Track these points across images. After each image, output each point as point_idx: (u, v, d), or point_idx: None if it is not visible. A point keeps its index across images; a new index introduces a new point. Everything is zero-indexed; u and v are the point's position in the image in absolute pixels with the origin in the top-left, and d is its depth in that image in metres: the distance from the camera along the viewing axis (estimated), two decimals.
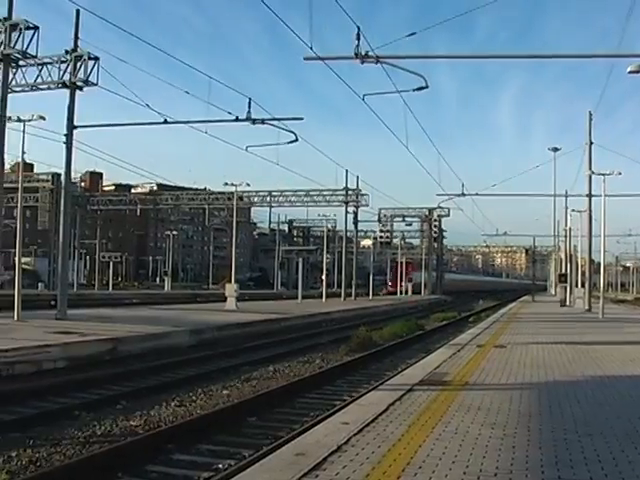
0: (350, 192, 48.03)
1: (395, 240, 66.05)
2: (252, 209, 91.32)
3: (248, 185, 33.27)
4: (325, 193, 50.90)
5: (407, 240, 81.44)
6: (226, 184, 32.73)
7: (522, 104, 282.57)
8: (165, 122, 23.32)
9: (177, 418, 9.19)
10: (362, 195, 48.33)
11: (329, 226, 62.76)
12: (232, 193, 38.58)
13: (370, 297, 51.58)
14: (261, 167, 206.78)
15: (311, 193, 51.77)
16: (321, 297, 43.18)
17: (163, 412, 9.58)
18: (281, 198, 53.53)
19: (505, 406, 7.82)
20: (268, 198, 54.05)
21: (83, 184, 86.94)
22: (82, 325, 17.23)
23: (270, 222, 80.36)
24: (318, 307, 32.98)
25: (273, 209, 62.42)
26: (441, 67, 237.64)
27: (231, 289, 29.45)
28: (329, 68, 17.56)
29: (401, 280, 62.81)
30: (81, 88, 20.36)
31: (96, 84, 20.18)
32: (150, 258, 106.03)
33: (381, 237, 54.99)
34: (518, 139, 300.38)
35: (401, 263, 62.34)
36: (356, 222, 50.05)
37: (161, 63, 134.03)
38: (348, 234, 53.05)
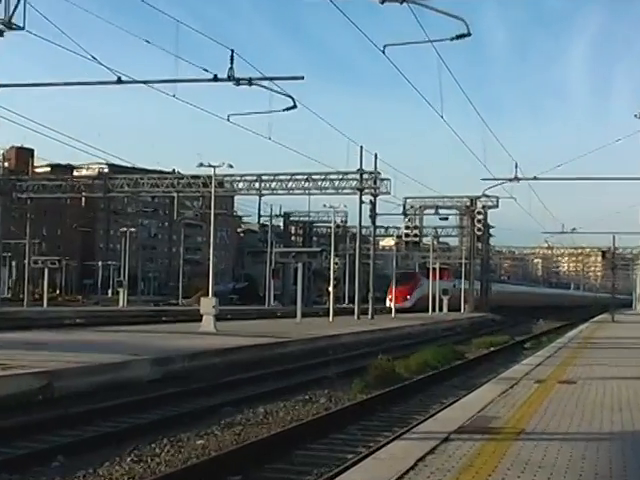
0: (366, 176, 47.97)
1: (426, 239, 66.03)
2: (236, 198, 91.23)
3: (230, 167, 33.20)
4: (333, 177, 50.87)
5: (441, 239, 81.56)
6: (201, 165, 32.70)
7: (599, 54, 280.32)
8: (119, 82, 23.33)
9: (134, 478, 9.11)
10: (382, 180, 48.29)
11: (338, 221, 62.78)
12: (209, 177, 38.54)
13: (393, 315, 51.58)
14: (248, 143, 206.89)
15: (314, 177, 51.74)
16: (327, 315, 43.21)
17: (115, 471, 9.52)
18: (274, 184, 53.52)
19: (576, 463, 7.73)
20: (257, 184, 54.04)
21: (7, 164, 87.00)
22: (5, 354, 17.20)
23: (260, 215, 79.99)
24: (324, 328, 33.02)
25: (264, 198, 62.21)
26: (488, 6, 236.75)
27: (208, 304, 29.45)
28: (338, 10, 17.51)
29: (409, 292, 62.53)
30: (1, 33, 20.24)
31: (22, 28, 20.08)
32: (99, 263, 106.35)
33: (407, 235, 54.81)
34: (593, 103, 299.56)
35: (424, 269, 62.39)
36: (374, 215, 49.99)
37: (112, 2, 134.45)
38: (363, 231, 52.97)
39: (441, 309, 61.21)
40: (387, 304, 60.16)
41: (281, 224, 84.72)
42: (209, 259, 32.48)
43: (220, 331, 27.94)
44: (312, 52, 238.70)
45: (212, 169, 32.56)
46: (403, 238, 55.96)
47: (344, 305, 74.78)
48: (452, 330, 45.56)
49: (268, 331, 29.03)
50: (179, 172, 63.16)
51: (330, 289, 47.43)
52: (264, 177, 53.77)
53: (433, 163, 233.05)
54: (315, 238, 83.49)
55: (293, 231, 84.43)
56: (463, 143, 44.27)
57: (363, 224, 50.24)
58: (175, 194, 56.23)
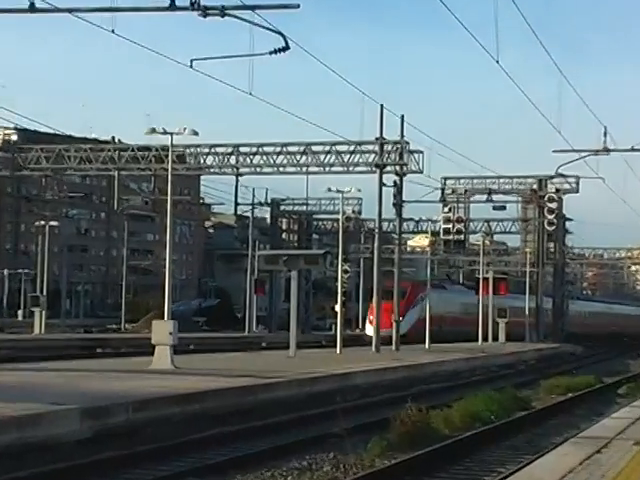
0: (388, 147, 48.02)
1: (474, 237, 66.08)
2: (203, 179, 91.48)
3: (195, 134, 33.17)
4: (341, 149, 50.92)
5: (496, 237, 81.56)
6: (153, 131, 32.64)
7: None
8: (32, 9, 23.28)
9: None
10: (411, 152, 48.29)
11: (349, 211, 62.78)
12: (164, 149, 38.55)
13: (426, 345, 51.52)
14: (220, 100, 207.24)
15: (314, 149, 51.78)
16: (334, 345, 43.20)
17: None
18: (258, 158, 53.58)
19: None
20: (233, 158, 54.09)
21: None
22: None
23: (237, 204, 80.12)
24: (329, 364, 33.02)
25: (243, 179, 62.28)
26: None
27: (163, 331, 29.45)
28: None
29: (401, 312, 62.33)
30: None
31: None
32: (5, 272, 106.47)
33: (447, 231, 54.83)
34: None
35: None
36: (399, 203, 49.94)
37: None
38: (385, 226, 52.98)
39: (496, 338, 61.10)
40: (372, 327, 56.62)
41: (267, 216, 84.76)
42: (165, 266, 32.48)
43: (180, 369, 27.93)
44: None
45: (168, 137, 32.50)
46: (441, 236, 56.07)
47: (357, 331, 74.80)
48: (512, 367, 45.53)
49: (249, 368, 29.09)
50: (120, 141, 63.38)
51: (337, 308, 47.33)
52: (243, 149, 53.83)
53: (484, 128, 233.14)
54: (316, 236, 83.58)
55: (285, 226, 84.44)
56: (527, 99, 44.11)
57: (384, 216, 50.31)
58: (115, 172, 56.31)
